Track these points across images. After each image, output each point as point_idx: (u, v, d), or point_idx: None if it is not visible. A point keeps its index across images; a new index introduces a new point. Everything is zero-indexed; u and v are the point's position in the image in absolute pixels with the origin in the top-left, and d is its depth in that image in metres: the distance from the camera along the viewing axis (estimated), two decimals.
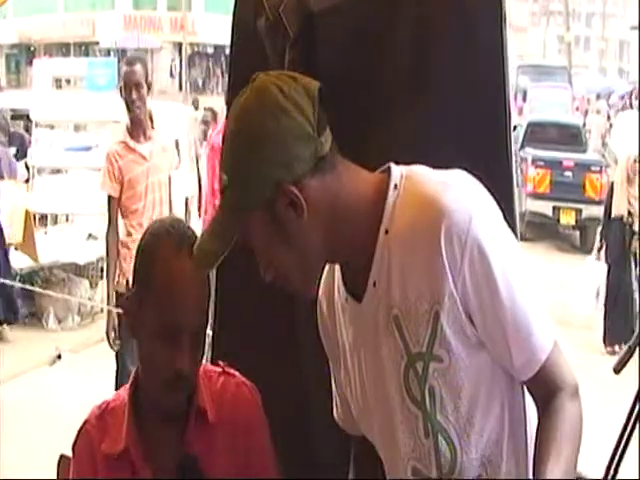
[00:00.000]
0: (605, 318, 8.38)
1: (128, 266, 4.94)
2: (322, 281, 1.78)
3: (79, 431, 2.03)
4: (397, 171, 1.64)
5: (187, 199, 5.58)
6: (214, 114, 7.42)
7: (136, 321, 1.92)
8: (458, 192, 1.57)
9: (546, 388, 1.61)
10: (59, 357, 7.54)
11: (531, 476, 1.59)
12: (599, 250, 8.77)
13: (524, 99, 22.46)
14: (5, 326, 8.08)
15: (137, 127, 5.17)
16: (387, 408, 1.68)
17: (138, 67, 5.14)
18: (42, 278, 8.42)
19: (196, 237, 1.88)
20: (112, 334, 5.11)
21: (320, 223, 1.60)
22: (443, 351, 1.59)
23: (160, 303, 1.86)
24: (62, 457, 2.38)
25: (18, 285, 6.44)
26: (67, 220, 10.29)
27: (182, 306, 1.86)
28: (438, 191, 1.57)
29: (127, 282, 4.95)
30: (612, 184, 8.97)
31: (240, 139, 1.59)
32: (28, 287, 7.00)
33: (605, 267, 8.54)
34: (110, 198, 5.15)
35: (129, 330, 1.97)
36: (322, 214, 1.60)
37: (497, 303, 1.56)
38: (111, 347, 5.18)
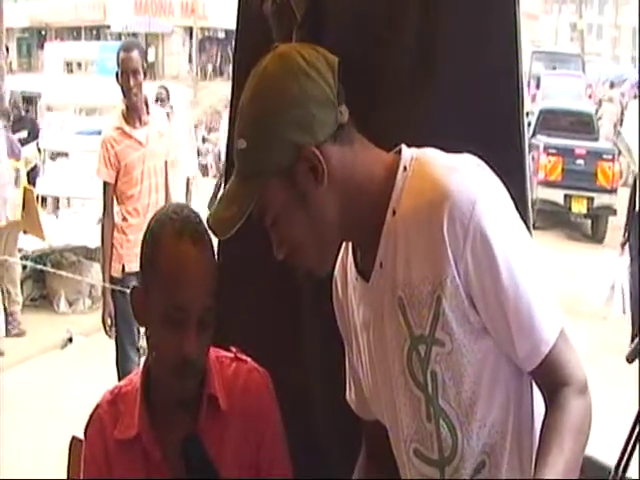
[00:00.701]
0: (633, 316, 8.16)
1: (124, 251, 4.97)
2: (338, 260, 1.77)
3: (91, 416, 2.03)
4: (408, 153, 1.64)
5: (188, 179, 5.55)
6: (167, 92, 7.34)
7: (143, 309, 1.92)
8: (464, 176, 1.56)
9: (552, 381, 1.59)
10: (70, 340, 7.56)
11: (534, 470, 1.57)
12: (623, 245, 8.52)
13: (537, 86, 22.36)
14: (17, 308, 8.11)
15: (133, 113, 5.18)
16: (392, 389, 1.68)
17: (135, 53, 5.14)
18: (53, 261, 8.43)
19: (201, 221, 1.90)
20: (108, 321, 5.13)
21: (336, 194, 1.59)
22: (445, 335, 1.59)
23: (166, 287, 1.86)
24: (74, 439, 2.40)
25: (30, 265, 6.46)
26: (69, 204, 10.30)
27: (187, 289, 1.85)
28: (444, 174, 1.56)
29: (123, 267, 4.97)
30: (636, 177, 8.78)
31: (261, 102, 1.58)
32: (41, 267, 7.01)
33: (626, 262, 8.32)
34: (105, 184, 5.16)
35: (136, 319, 1.97)
36: (339, 185, 1.59)
37: (499, 290, 1.55)
38: (107, 334, 5.20)
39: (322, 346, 2.25)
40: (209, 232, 1.83)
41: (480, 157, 1.65)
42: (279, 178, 1.57)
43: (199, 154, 17.25)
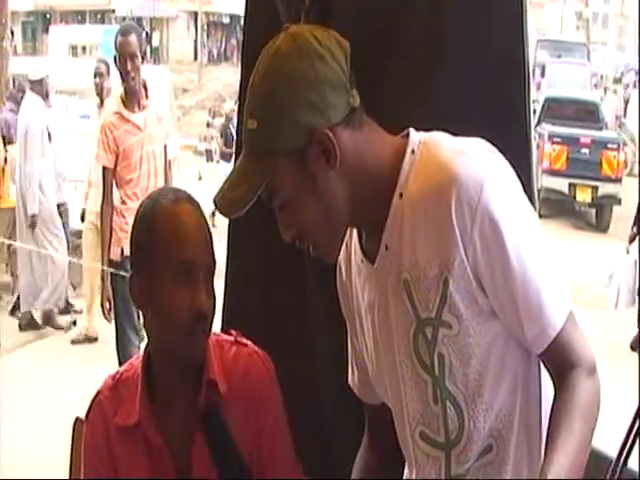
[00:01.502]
0: None
1: (122, 235, 4.97)
2: (343, 245, 1.77)
3: (92, 401, 2.03)
4: (416, 136, 1.64)
5: (170, 161, 5.53)
6: (107, 66, 7.25)
7: (143, 291, 1.92)
8: (472, 159, 1.56)
9: (561, 363, 1.59)
10: (74, 323, 7.57)
11: (542, 453, 1.57)
12: (632, 239, 8.32)
13: (542, 74, 22.29)
14: None
15: (131, 97, 5.16)
16: (397, 372, 1.68)
17: (132, 37, 5.12)
18: None
19: (195, 200, 1.93)
20: (107, 304, 5.15)
21: (346, 178, 1.59)
22: (452, 317, 1.59)
23: (170, 247, 1.87)
24: (77, 420, 2.40)
25: (32, 249, 6.44)
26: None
27: (192, 243, 1.88)
28: (452, 158, 1.56)
29: (122, 251, 4.98)
30: None
31: (274, 82, 1.57)
32: (45, 251, 7.02)
33: (634, 257, 8.21)
34: (105, 169, 5.16)
35: (137, 304, 1.99)
36: (350, 168, 1.59)
37: (508, 273, 1.55)
38: (105, 318, 5.23)
39: (327, 330, 2.25)
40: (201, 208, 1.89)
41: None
42: (290, 159, 1.57)
43: (204, 139, 17.26)
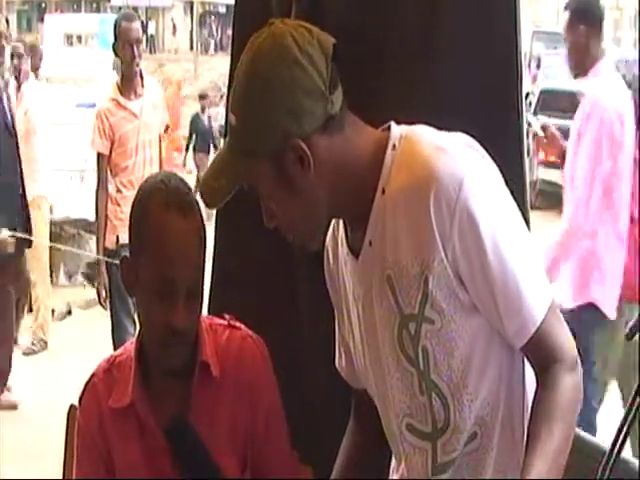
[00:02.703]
0: None
1: (117, 223, 4.97)
2: (330, 230, 1.78)
3: (86, 384, 2.05)
4: (397, 130, 1.64)
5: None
6: (26, 48, 7.08)
7: (132, 279, 1.92)
8: (451, 157, 1.57)
9: (542, 357, 1.61)
10: (69, 313, 7.57)
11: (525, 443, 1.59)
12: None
13: (538, 66, 22.19)
14: None
15: (128, 84, 5.18)
16: (382, 365, 1.69)
17: (136, 24, 5.16)
18: (52, 234, 8.40)
19: (190, 191, 1.91)
20: (103, 292, 5.16)
21: (325, 180, 1.60)
22: (435, 313, 1.60)
23: (152, 259, 1.86)
24: (72, 407, 2.40)
25: (29, 238, 6.43)
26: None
27: (174, 261, 1.85)
28: (431, 155, 1.57)
29: (117, 239, 4.97)
30: None
31: (251, 83, 1.59)
32: (41, 241, 7.01)
33: None
34: (100, 156, 5.17)
35: (126, 289, 1.98)
36: (328, 172, 1.60)
37: (487, 271, 1.56)
38: (102, 305, 5.24)
39: (316, 317, 2.26)
40: (198, 202, 1.86)
41: (477, 137, 1.65)
42: (267, 161, 1.58)
43: None
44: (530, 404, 1.63)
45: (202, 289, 1.92)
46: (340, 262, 1.76)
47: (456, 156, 1.57)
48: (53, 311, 7.43)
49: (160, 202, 1.88)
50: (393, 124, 1.66)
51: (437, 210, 1.54)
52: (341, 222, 1.75)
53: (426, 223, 1.55)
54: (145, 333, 1.96)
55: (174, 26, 36.44)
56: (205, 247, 1.91)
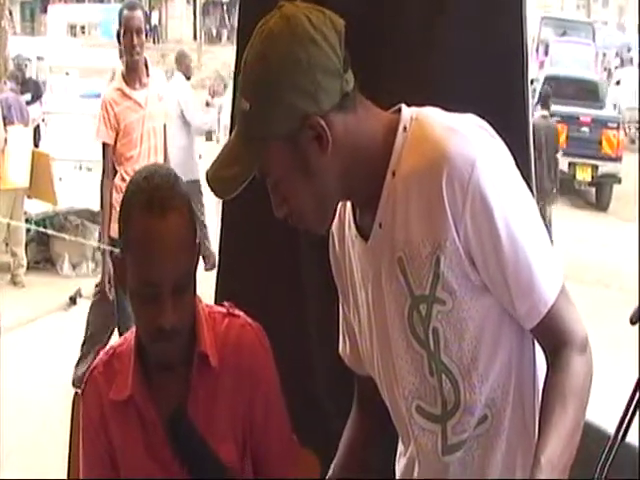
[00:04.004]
0: None
1: None
2: (336, 215, 1.76)
3: (87, 378, 2.05)
4: (407, 112, 1.63)
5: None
6: None
7: (123, 277, 1.91)
8: (463, 138, 1.56)
9: (553, 339, 1.60)
10: (74, 302, 7.57)
11: (536, 425, 1.59)
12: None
13: (546, 53, 22.02)
14: (21, 272, 8.14)
15: (133, 73, 5.16)
16: (390, 348, 1.69)
17: (139, 12, 5.13)
18: (56, 224, 8.43)
19: (175, 184, 1.87)
20: (107, 282, 5.16)
21: (340, 161, 1.59)
22: (446, 294, 1.59)
23: (136, 261, 1.85)
24: (76, 395, 2.41)
25: (34, 228, 6.46)
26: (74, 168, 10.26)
27: (156, 264, 1.83)
28: (443, 136, 1.56)
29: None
30: None
31: (266, 66, 1.56)
32: (45, 231, 7.03)
33: None
34: (105, 146, 5.15)
35: (120, 287, 1.97)
36: (343, 152, 1.58)
37: (499, 252, 1.55)
38: (107, 295, 5.23)
39: (322, 301, 2.26)
40: (185, 194, 1.84)
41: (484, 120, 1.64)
42: (282, 143, 1.56)
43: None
44: (541, 387, 1.62)
45: (194, 280, 1.90)
46: (347, 245, 1.76)
47: (468, 136, 1.57)
48: None
49: (141, 203, 1.85)
50: (404, 106, 1.65)
51: (449, 190, 1.53)
52: (348, 205, 1.74)
53: (438, 204, 1.55)
54: (139, 329, 1.96)
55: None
56: (194, 239, 1.89)
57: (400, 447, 1.83)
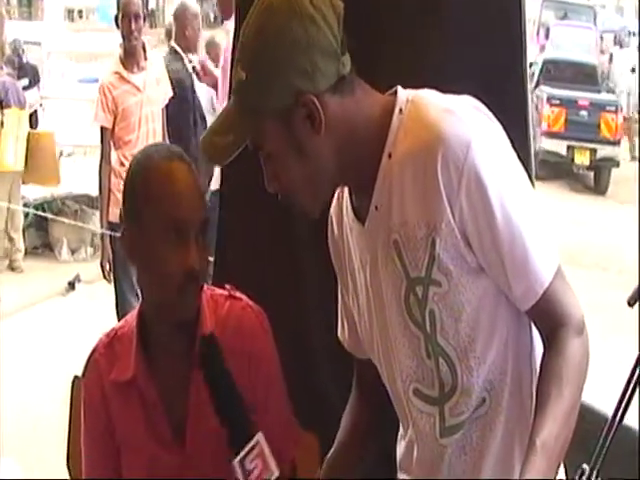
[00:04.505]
0: None
1: (121, 196, 4.94)
2: (334, 198, 1.77)
3: (88, 359, 2.06)
4: (403, 94, 1.63)
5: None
6: None
7: (134, 247, 1.92)
8: (459, 119, 1.55)
9: (549, 321, 1.60)
10: (73, 287, 7.57)
11: (534, 407, 1.59)
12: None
13: (547, 36, 21.82)
14: (19, 256, 8.15)
15: (131, 58, 5.17)
16: (388, 331, 1.69)
17: None
18: (55, 209, 8.42)
19: (185, 155, 1.94)
20: (107, 266, 5.17)
21: (333, 142, 1.58)
22: (442, 276, 1.59)
23: (163, 205, 1.88)
24: (76, 378, 2.41)
25: (32, 212, 6.45)
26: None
27: (183, 202, 1.88)
28: (438, 118, 1.55)
29: (120, 212, 4.95)
30: None
31: (262, 39, 1.56)
32: (43, 214, 7.02)
33: None
34: (103, 130, 5.15)
35: (129, 257, 1.98)
36: (336, 134, 1.58)
37: (494, 233, 1.55)
38: (106, 279, 5.25)
39: (319, 281, 2.26)
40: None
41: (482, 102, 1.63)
42: (276, 118, 1.57)
43: None
44: (538, 369, 1.62)
45: (207, 230, 1.94)
46: (345, 229, 1.76)
47: (463, 118, 1.56)
48: None
49: (160, 156, 1.92)
50: (400, 88, 1.65)
51: (444, 172, 1.53)
52: (346, 189, 1.74)
53: (433, 185, 1.54)
54: (155, 289, 1.94)
55: None
56: (205, 209, 1.95)
57: (401, 430, 1.83)
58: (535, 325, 1.65)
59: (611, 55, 23.02)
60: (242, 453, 1.70)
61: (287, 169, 1.60)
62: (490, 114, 1.63)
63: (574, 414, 1.57)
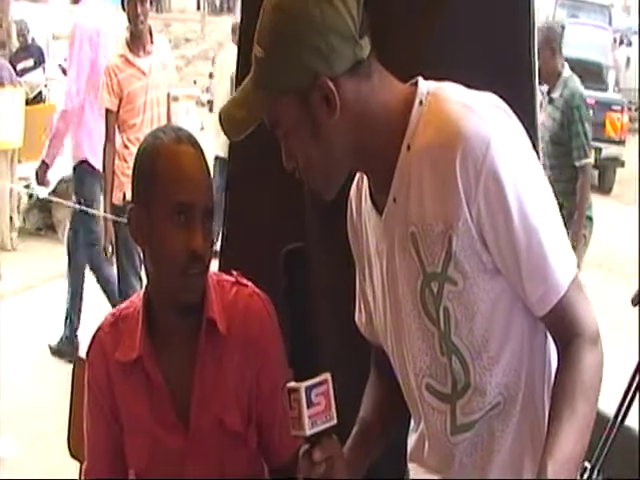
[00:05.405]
0: None
1: (125, 179, 4.99)
2: (354, 183, 1.77)
3: (92, 338, 2.06)
4: (424, 86, 1.62)
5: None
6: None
7: (141, 226, 1.93)
8: (479, 117, 1.54)
9: (563, 329, 1.59)
10: None
11: (546, 413, 1.59)
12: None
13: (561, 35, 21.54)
14: (14, 235, 8.16)
15: (137, 41, 5.19)
16: (404, 322, 1.68)
17: None
18: (59, 191, 8.40)
19: (194, 137, 1.95)
20: (109, 248, 5.20)
21: (348, 127, 1.57)
22: (458, 274, 1.58)
23: (169, 187, 1.88)
24: (78, 359, 2.41)
25: (36, 194, 6.44)
26: None
27: (190, 185, 1.89)
28: (459, 114, 1.54)
29: (124, 195, 4.99)
30: None
31: (280, 18, 1.55)
32: (47, 197, 7.02)
33: None
34: (108, 112, 5.17)
35: (135, 238, 1.98)
36: (352, 118, 1.57)
37: (511, 235, 1.54)
38: (108, 260, 5.32)
39: (328, 268, 2.24)
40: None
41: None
42: (291, 97, 1.56)
43: (207, 90, 17.14)
44: (553, 376, 1.61)
45: (212, 221, 1.94)
46: (364, 217, 1.74)
47: (484, 116, 1.54)
48: None
49: (169, 138, 1.93)
50: (420, 79, 1.63)
51: (463, 170, 1.52)
52: (365, 176, 1.73)
53: (451, 183, 1.53)
54: (161, 271, 1.94)
55: None
56: (211, 184, 1.96)
57: (412, 423, 1.82)
58: (550, 332, 1.63)
59: (628, 59, 22.77)
60: (310, 382, 1.60)
61: (302, 148, 1.60)
62: (510, 111, 1.61)
63: (587, 432, 1.55)
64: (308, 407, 1.58)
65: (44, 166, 5.80)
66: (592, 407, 1.56)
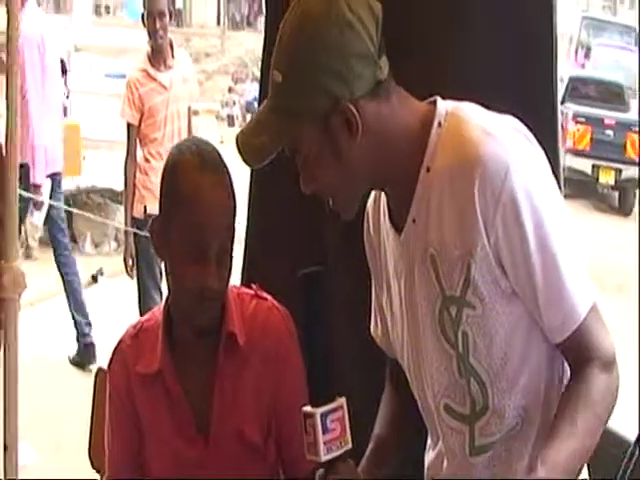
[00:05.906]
0: None
1: (145, 192, 5.00)
2: (371, 197, 1.76)
3: (114, 350, 2.06)
4: (442, 107, 1.61)
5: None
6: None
7: (163, 242, 1.92)
8: (499, 142, 1.53)
9: (578, 354, 1.58)
10: (95, 280, 7.58)
11: None
12: None
13: (586, 56, 21.23)
14: (34, 244, 8.19)
15: (158, 55, 5.20)
16: (421, 342, 1.67)
17: None
18: (79, 202, 8.44)
19: (220, 154, 1.91)
20: (129, 261, 5.20)
21: (369, 148, 1.57)
22: (476, 299, 1.57)
23: (185, 222, 1.86)
24: (99, 370, 2.42)
25: (56, 205, 6.45)
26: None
27: (207, 224, 1.85)
28: (478, 137, 1.53)
29: (145, 209, 4.99)
30: None
31: (300, 43, 1.54)
32: (68, 208, 7.04)
33: None
34: (129, 126, 5.19)
35: (157, 252, 1.98)
36: (373, 140, 1.56)
37: (529, 262, 1.53)
38: (128, 274, 5.27)
39: (347, 285, 2.24)
40: (226, 164, 1.87)
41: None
42: (311, 122, 1.55)
43: (226, 104, 17.22)
44: None
45: (232, 246, 1.92)
46: (382, 234, 1.74)
47: (504, 142, 1.53)
48: None
49: (192, 163, 1.88)
50: (439, 99, 1.63)
51: (481, 196, 1.51)
52: (384, 194, 1.72)
53: (470, 208, 1.52)
54: (176, 295, 1.95)
55: None
56: (236, 207, 1.91)
57: (429, 440, 1.82)
58: (563, 356, 1.63)
59: None
60: (326, 408, 1.60)
61: (323, 172, 1.59)
62: (530, 135, 1.60)
63: (587, 445, 1.54)
64: (324, 433, 1.59)
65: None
66: (597, 422, 1.55)
